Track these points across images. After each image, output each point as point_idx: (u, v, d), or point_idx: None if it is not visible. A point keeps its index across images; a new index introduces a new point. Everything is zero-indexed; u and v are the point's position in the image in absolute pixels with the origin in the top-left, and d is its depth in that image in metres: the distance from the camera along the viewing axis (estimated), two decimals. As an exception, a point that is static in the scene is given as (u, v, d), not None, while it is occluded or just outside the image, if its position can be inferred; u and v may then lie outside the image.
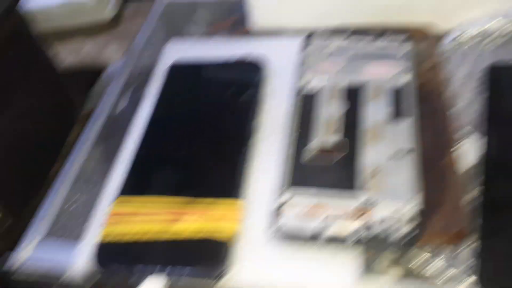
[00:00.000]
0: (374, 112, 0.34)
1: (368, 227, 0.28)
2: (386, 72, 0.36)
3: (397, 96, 0.34)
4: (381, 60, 0.37)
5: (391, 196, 0.29)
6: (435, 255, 0.29)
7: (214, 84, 0.40)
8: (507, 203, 0.29)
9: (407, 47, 0.37)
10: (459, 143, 0.34)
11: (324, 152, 0.32)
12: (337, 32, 0.39)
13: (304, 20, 0.43)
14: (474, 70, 0.39)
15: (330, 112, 0.34)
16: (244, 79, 0.39)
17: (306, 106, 0.35)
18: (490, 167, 0.31)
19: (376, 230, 0.28)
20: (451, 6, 0.40)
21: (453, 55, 0.40)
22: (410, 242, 0.27)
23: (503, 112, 0.34)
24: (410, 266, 0.28)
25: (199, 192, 0.31)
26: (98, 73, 0.58)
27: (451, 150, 0.33)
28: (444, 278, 0.28)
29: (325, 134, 0.33)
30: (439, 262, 0.29)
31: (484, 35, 0.40)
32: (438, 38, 0.40)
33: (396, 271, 0.28)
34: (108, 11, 0.63)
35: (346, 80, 0.36)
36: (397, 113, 0.33)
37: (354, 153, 0.31)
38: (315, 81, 0.37)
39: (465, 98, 0.37)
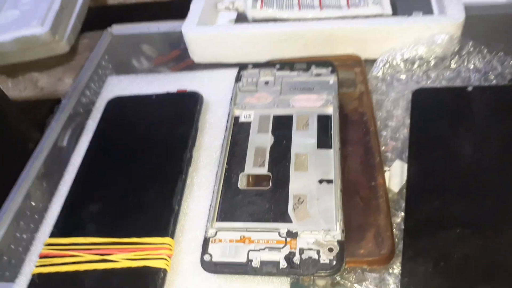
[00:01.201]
0: (299, 143, 0.35)
1: (291, 258, 0.29)
2: (311, 104, 0.37)
3: (321, 127, 0.36)
4: (307, 92, 0.38)
5: (312, 226, 0.30)
6: (360, 281, 0.30)
7: (151, 117, 0.40)
8: (426, 227, 0.31)
9: (333, 78, 0.39)
10: (387, 167, 0.35)
11: (251, 184, 0.33)
12: (267, 65, 0.41)
13: (237, 55, 0.44)
14: (402, 95, 0.40)
15: (258, 144, 0.35)
16: (182, 112, 0.40)
17: (235, 139, 0.36)
18: (411, 192, 0.33)
19: (299, 260, 0.28)
20: (374, 37, 0.42)
21: (382, 82, 0.42)
22: (333, 271, 0.28)
23: (424, 137, 0.36)
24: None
25: (127, 231, 0.32)
26: (53, 107, 0.58)
27: (379, 174, 0.34)
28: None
29: (253, 167, 0.34)
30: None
31: (410, 62, 0.42)
32: (366, 65, 0.42)
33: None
34: (63, 44, 0.63)
35: (274, 113, 0.37)
36: (321, 143, 0.35)
37: (279, 185, 0.32)
38: (245, 114, 0.38)
39: (394, 123, 0.39)
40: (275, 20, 0.45)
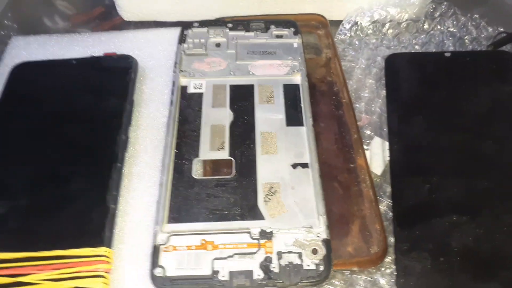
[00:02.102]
0: (265, 119, 0.29)
1: (267, 266, 0.23)
2: (275, 72, 0.31)
3: (289, 99, 0.30)
4: (268, 57, 0.32)
5: (290, 223, 0.24)
6: (351, 285, 0.25)
7: (71, 89, 0.32)
8: (419, 216, 0.26)
9: (296, 41, 0.33)
10: (365, 146, 0.30)
11: (208, 173, 0.27)
12: (216, 24, 0.34)
13: (178, 11, 0.36)
14: (373, 62, 0.35)
15: (214, 122, 0.29)
16: (112, 81, 0.32)
17: (185, 115, 0.29)
18: (397, 174, 0.28)
19: (278, 268, 0.23)
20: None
21: (350, 46, 0.36)
22: (320, 278, 0.23)
23: (405, 109, 0.31)
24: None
25: (48, 242, 0.24)
26: None
27: (358, 154, 0.29)
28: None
29: (210, 150, 0.27)
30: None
31: (380, 24, 0.37)
32: (330, 28, 0.36)
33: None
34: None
35: (230, 82, 0.31)
36: (291, 119, 0.29)
37: (244, 172, 0.26)
38: (195, 84, 0.31)
39: (368, 94, 0.34)
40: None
